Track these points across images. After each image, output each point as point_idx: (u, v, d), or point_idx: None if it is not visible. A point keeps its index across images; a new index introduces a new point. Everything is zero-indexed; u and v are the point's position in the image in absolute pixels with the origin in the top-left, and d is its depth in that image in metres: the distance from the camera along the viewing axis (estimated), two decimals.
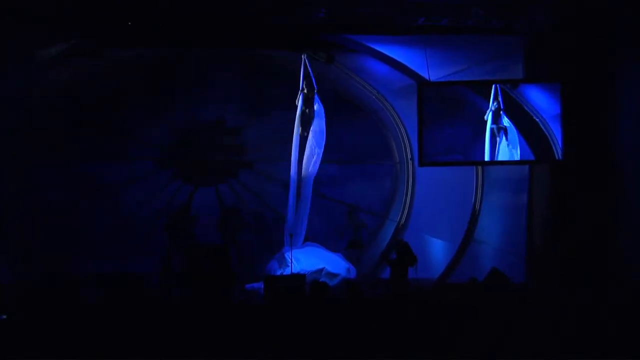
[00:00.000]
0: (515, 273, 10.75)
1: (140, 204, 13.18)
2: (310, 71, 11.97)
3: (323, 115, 12.08)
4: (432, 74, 11.82)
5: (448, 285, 11.63)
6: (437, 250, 12.90)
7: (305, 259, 11.10)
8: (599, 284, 10.04)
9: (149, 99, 13.28)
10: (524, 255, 11.84)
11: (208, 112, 13.66)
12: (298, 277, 10.35)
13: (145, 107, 13.32)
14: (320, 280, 10.46)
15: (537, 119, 11.30)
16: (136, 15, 10.75)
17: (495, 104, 11.32)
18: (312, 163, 11.97)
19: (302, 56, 12.07)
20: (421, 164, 11.70)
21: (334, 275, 11.14)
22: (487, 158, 11.44)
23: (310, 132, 11.97)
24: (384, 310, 7.10)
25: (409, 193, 13.52)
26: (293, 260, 11.23)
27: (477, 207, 12.65)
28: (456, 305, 7.32)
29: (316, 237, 12.41)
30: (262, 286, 10.61)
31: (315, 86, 12.04)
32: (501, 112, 11.34)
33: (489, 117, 11.37)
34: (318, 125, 12.00)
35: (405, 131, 13.38)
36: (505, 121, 11.33)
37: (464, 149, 11.52)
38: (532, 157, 11.45)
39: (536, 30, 11.18)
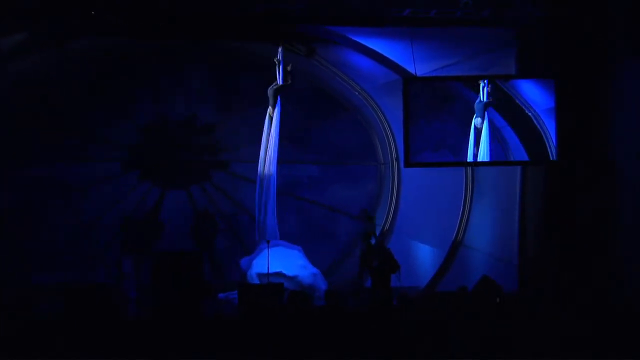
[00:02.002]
0: (507, 281, 10.79)
1: (104, 209, 13.01)
2: (280, 64, 11.81)
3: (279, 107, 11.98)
4: (419, 69, 11.83)
5: (435, 294, 11.63)
6: (424, 257, 12.89)
7: (262, 262, 11.07)
8: (596, 286, 10.16)
9: (113, 94, 13.10)
10: (517, 261, 11.90)
11: (178, 108, 13.52)
12: (275, 287, 10.30)
13: (108, 103, 13.15)
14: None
15: (529, 113, 11.37)
16: (100, 5, 10.63)
17: (482, 97, 11.36)
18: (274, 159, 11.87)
19: (279, 49, 11.98)
20: (407, 165, 11.69)
21: (290, 278, 11.10)
22: (469, 157, 11.46)
23: (274, 128, 11.85)
24: (365, 320, 7.08)
25: (394, 196, 13.52)
26: (249, 265, 11.23)
27: (467, 210, 12.69)
28: (443, 316, 7.31)
29: (296, 241, 12.36)
30: (236, 295, 10.54)
31: (280, 80, 11.90)
32: (488, 107, 11.39)
33: (477, 111, 11.40)
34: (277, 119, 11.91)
35: (390, 130, 13.39)
36: (492, 117, 11.41)
37: (454, 145, 11.55)
38: (524, 155, 11.51)
39: (527, 22, 11.24)
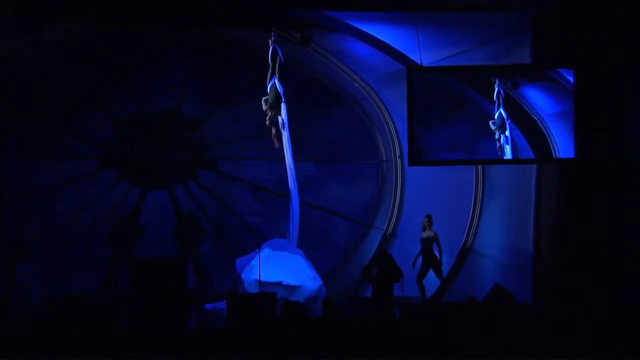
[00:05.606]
0: (520, 290, 10.90)
1: (79, 211, 13.08)
2: (269, 53, 11.89)
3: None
4: (425, 58, 11.88)
5: (442, 304, 11.73)
6: None
7: (263, 268, 11.18)
8: (614, 291, 10.32)
9: (88, 85, 13.15)
10: (531, 269, 11.99)
11: (160, 101, 13.58)
12: (267, 296, 10.38)
13: (84, 95, 13.20)
14: (279, 295, 10.51)
15: (534, 117, 11.53)
16: None
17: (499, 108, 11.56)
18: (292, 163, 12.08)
19: (272, 35, 12.07)
20: (412, 163, 11.76)
21: (293, 287, 11.19)
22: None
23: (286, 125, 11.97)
24: (365, 333, 7.17)
25: (398, 196, 13.61)
26: (245, 271, 11.33)
27: (477, 213, 12.77)
28: (450, 328, 7.42)
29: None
30: (224, 306, 10.62)
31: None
32: (504, 117, 11.57)
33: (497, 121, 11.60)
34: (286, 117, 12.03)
35: (394, 124, 13.49)
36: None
37: (470, 146, 11.65)
38: (532, 156, 11.69)
39: (541, 6, 11.31)
